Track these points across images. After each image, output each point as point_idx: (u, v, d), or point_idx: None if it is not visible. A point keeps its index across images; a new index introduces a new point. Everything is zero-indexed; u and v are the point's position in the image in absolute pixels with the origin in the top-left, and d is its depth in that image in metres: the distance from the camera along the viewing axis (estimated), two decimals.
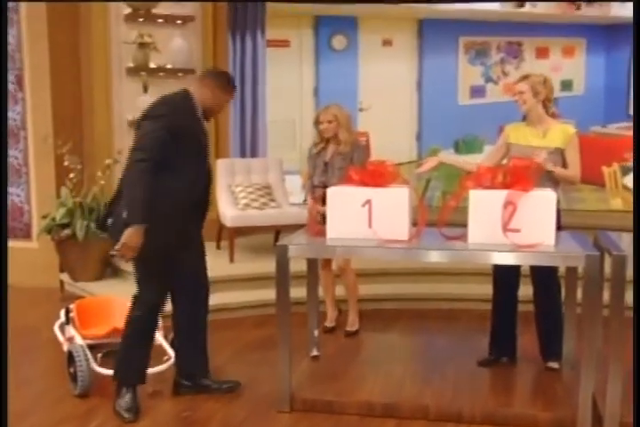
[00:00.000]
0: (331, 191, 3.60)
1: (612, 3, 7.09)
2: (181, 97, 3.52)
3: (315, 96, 7.41)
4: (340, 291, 4.99)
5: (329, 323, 4.94)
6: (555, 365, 4.03)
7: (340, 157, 4.58)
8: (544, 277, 3.96)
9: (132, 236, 3.26)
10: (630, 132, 7.16)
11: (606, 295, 3.27)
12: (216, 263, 5.70)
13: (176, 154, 3.37)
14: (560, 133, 3.90)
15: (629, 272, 3.14)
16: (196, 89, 3.56)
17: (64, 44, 6.11)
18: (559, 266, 3.86)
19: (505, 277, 4.04)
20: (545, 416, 3.45)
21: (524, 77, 3.97)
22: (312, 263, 4.16)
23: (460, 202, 3.54)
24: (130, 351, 3.57)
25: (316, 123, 4.65)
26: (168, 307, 3.70)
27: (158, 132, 3.34)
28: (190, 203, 3.51)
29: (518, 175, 3.38)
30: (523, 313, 4.14)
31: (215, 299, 5.22)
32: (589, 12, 7.23)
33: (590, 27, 7.36)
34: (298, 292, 4.63)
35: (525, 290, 4.11)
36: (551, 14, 7.27)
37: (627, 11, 7.06)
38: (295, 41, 7.32)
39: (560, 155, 3.88)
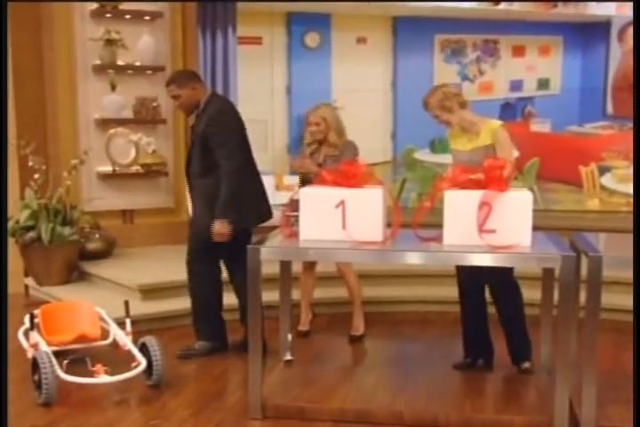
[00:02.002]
0: (303, 192, 3.60)
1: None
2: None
3: (287, 95, 7.40)
4: (318, 293, 5.00)
5: (302, 327, 4.94)
6: (526, 365, 4.07)
7: (332, 159, 4.61)
8: (496, 278, 3.97)
9: None
10: (607, 132, 7.25)
11: (583, 297, 3.30)
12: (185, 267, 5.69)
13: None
14: (488, 131, 3.92)
15: (607, 273, 3.18)
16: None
17: (26, 41, 6.06)
18: (515, 267, 3.89)
19: (467, 280, 4.08)
20: (521, 421, 3.46)
21: (426, 105, 3.97)
22: (285, 266, 4.16)
23: (435, 203, 3.56)
24: None
25: (306, 124, 4.68)
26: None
27: None
28: None
29: (493, 175, 3.40)
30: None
31: (186, 303, 5.21)
32: (566, 11, 7.31)
33: (567, 25, 7.43)
34: (270, 295, 4.63)
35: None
36: (527, 12, 7.33)
37: (603, 9, 7.16)
38: (267, 38, 7.29)
39: (492, 151, 3.88)
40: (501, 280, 3.99)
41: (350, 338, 4.81)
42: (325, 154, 4.66)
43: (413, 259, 3.53)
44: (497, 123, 3.96)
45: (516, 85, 7.49)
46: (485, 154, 3.80)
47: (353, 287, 4.87)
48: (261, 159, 6.92)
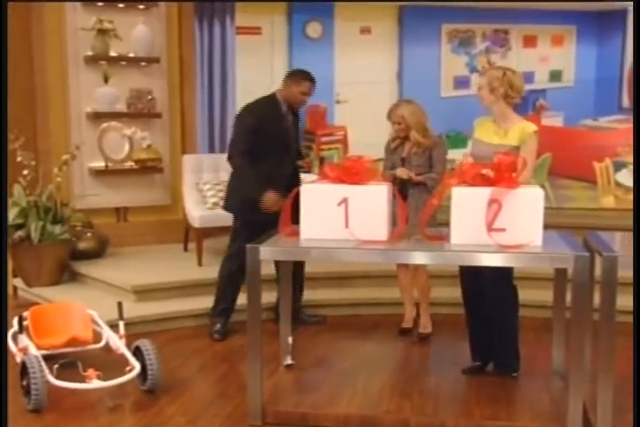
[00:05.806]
0: (304, 189, 3.60)
1: None
2: (265, 99, 4.84)
3: None
4: (324, 295, 5.00)
5: (406, 324, 5.01)
6: (514, 375, 4.10)
7: (416, 155, 4.68)
8: (495, 279, 3.96)
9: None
10: (623, 126, 7.23)
11: (597, 299, 3.30)
12: (183, 267, 5.71)
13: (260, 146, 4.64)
14: (518, 132, 3.90)
15: (622, 274, 3.17)
16: (280, 89, 4.81)
17: (15, 31, 6.04)
18: (512, 267, 3.89)
19: (470, 281, 4.07)
20: None
21: (484, 71, 4.00)
22: (284, 265, 4.16)
23: (442, 200, 3.56)
24: None
25: (388, 119, 4.75)
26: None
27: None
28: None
29: (503, 171, 3.39)
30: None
31: (182, 305, 5.22)
32: None
33: (581, 14, 7.41)
34: (271, 296, 4.63)
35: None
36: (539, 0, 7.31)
37: None
38: (267, 28, 7.29)
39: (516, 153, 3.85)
40: (500, 282, 3.98)
41: (419, 336, 4.89)
42: (410, 150, 4.71)
43: (419, 259, 3.54)
44: (533, 127, 3.94)
45: (528, 77, 7.45)
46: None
47: (424, 286, 4.93)
48: None
